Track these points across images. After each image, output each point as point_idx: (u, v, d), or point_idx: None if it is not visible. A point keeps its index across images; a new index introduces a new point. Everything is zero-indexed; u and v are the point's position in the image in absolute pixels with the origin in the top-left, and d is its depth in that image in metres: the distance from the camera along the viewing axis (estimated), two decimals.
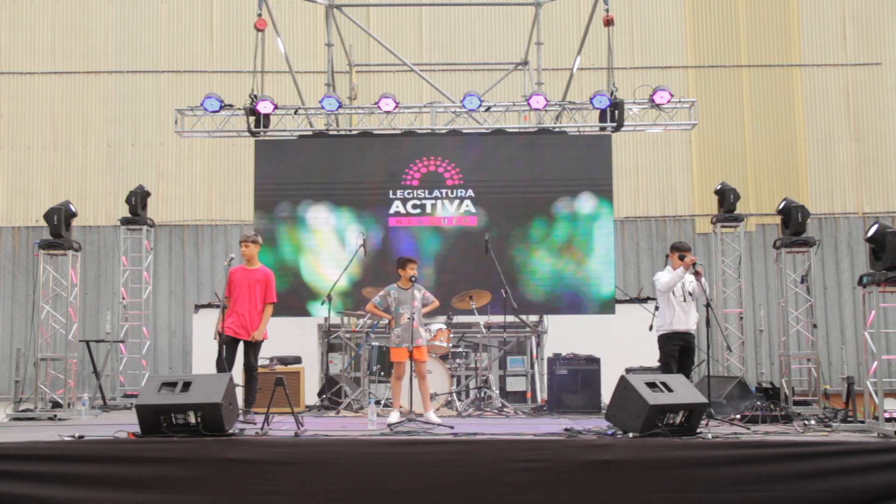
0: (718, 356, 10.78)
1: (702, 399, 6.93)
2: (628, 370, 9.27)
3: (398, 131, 11.22)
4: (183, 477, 6.17)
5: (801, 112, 15.63)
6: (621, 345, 10.55)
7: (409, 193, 10.83)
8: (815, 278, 12.89)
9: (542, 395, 10.35)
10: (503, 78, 14.01)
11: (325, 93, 12.05)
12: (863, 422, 7.71)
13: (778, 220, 10.30)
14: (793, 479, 6.27)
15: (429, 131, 11.29)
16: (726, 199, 10.95)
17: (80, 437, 6.55)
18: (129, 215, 11.23)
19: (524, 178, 10.85)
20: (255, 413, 7.96)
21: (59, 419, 8.80)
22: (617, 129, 10.63)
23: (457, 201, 10.82)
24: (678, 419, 6.71)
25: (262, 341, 8.55)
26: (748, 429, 7.48)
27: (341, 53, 13.77)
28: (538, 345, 10.81)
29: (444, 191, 10.82)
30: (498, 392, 9.94)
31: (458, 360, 9.94)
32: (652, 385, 6.79)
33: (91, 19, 15.79)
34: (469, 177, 10.83)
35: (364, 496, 6.21)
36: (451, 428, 7.37)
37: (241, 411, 7.73)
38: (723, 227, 11.22)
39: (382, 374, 9.68)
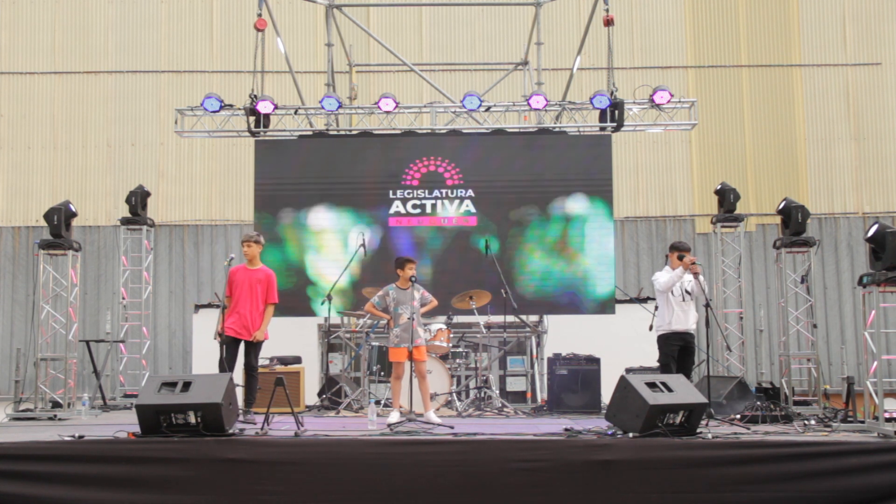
0: (718, 356, 10.78)
1: (702, 399, 6.93)
2: (628, 370, 9.27)
3: (398, 131, 11.22)
4: (183, 477, 6.17)
5: (801, 112, 15.63)
6: (621, 345, 10.56)
7: (409, 193, 10.83)
8: (815, 278, 12.91)
9: (542, 395, 10.35)
10: (503, 78, 14.01)
11: (325, 93, 12.05)
12: (863, 422, 7.71)
13: (778, 220, 10.30)
14: (793, 479, 6.27)
15: (429, 131, 11.29)
16: (726, 199, 10.96)
17: (80, 437, 6.55)
18: (129, 215, 11.23)
19: (524, 178, 10.86)
20: (255, 413, 7.97)
21: (59, 419, 8.80)
22: (617, 129, 10.63)
23: (457, 201, 10.82)
24: (678, 419, 6.71)
25: (263, 341, 8.56)
26: (748, 429, 7.48)
27: (341, 53, 13.77)
28: (538, 345, 10.81)
29: (444, 191, 10.82)
30: (498, 392, 9.94)
31: (458, 360, 9.94)
32: (652, 385, 6.79)
33: (91, 19, 15.79)
34: (469, 177, 10.83)
35: (364, 496, 6.21)
36: (451, 428, 7.37)
37: (241, 411, 7.73)
38: (723, 227, 11.23)
39: (382, 374, 9.68)
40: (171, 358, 15.03)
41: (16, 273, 15.34)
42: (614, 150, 11.22)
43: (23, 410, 9.11)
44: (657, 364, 8.89)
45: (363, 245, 10.38)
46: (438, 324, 9.54)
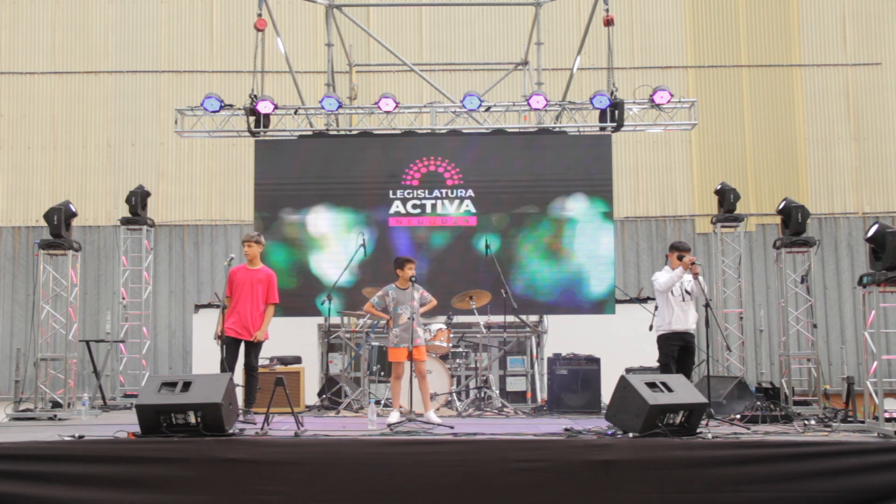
0: (718, 356, 10.78)
1: (702, 399, 6.93)
2: (628, 370, 9.27)
3: (398, 131, 11.22)
4: (183, 477, 6.17)
5: (801, 112, 15.63)
6: (621, 345, 10.55)
7: (408, 193, 10.84)
8: (815, 278, 12.91)
9: (542, 395, 10.35)
10: (503, 78, 14.00)
11: (325, 93, 12.05)
12: (863, 422, 7.71)
13: (778, 220, 10.30)
14: (793, 479, 6.27)
15: (429, 131, 11.29)
16: (726, 199, 10.96)
17: (80, 437, 6.55)
18: (129, 215, 11.23)
19: (524, 178, 10.86)
20: (255, 413, 7.97)
21: (59, 419, 8.80)
22: (617, 129, 10.63)
23: (457, 201, 10.82)
24: (678, 419, 6.71)
25: (264, 341, 8.56)
26: (748, 429, 7.48)
27: (341, 53, 13.77)
28: (538, 345, 10.81)
29: (443, 191, 10.82)
30: (498, 392, 9.94)
31: (458, 360, 9.94)
32: (652, 385, 6.79)
33: (91, 19, 15.79)
34: (469, 177, 10.84)
35: (364, 496, 6.21)
36: (451, 428, 7.37)
37: (241, 411, 7.73)
38: (723, 227, 11.22)
39: (382, 374, 9.68)
40: (171, 358, 15.03)
41: (16, 273, 15.34)
42: (614, 150, 11.22)
43: (23, 410, 9.11)
44: (657, 364, 8.88)
45: (363, 245, 10.38)
46: (438, 324, 9.54)
